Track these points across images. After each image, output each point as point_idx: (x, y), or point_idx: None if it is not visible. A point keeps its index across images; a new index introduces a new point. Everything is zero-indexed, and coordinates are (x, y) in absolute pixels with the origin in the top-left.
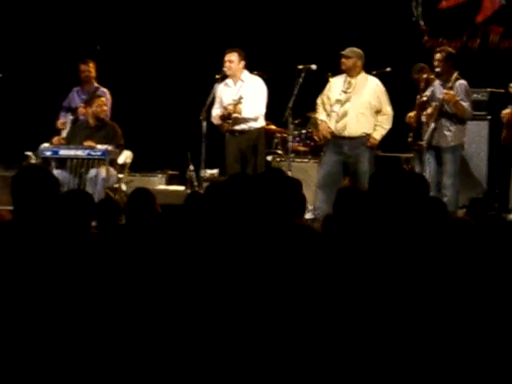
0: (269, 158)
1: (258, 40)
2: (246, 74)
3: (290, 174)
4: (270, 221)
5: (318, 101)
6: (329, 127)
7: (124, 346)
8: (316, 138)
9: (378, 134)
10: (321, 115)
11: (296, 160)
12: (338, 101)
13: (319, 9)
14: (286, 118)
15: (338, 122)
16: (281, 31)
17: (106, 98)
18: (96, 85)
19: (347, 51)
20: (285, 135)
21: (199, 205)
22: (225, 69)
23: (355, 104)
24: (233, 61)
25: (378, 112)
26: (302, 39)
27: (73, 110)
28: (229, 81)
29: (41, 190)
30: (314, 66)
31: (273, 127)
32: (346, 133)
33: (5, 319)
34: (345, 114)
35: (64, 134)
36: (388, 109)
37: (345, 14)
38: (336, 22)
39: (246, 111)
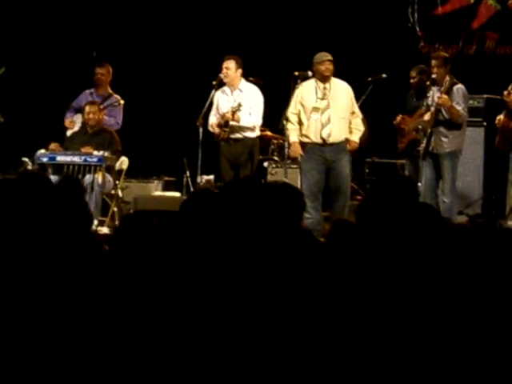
0: (265, 164)
1: (255, 46)
2: (243, 82)
3: (286, 180)
4: (271, 226)
5: (288, 115)
6: (300, 148)
7: (118, 353)
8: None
9: (356, 137)
10: (292, 135)
11: (292, 166)
12: (315, 108)
13: (315, 14)
14: (282, 124)
15: (322, 129)
16: (277, 37)
17: (118, 106)
18: (110, 91)
19: (331, 57)
20: (281, 141)
21: (194, 211)
22: (222, 75)
23: (336, 110)
24: (230, 68)
25: (350, 114)
26: (298, 45)
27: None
28: (226, 88)
29: (40, 196)
30: (310, 73)
31: (269, 133)
32: (331, 139)
33: None
34: (328, 121)
35: (69, 133)
36: (358, 110)
37: (341, 19)
38: (332, 27)
39: (243, 120)
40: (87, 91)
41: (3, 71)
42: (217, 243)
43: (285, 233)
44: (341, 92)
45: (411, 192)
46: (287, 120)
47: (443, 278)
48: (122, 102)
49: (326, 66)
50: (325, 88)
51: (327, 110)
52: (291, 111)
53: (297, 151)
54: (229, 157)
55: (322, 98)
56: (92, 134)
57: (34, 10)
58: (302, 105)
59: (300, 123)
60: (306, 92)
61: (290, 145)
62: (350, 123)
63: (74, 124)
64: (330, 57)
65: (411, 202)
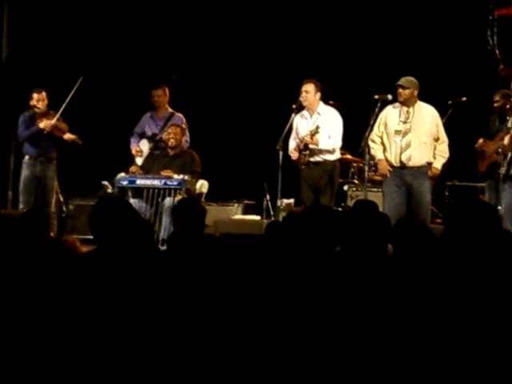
0: (345, 187)
1: (335, 70)
2: (321, 106)
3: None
4: (358, 252)
5: (373, 137)
6: (388, 165)
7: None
8: (377, 177)
9: (439, 164)
10: (378, 153)
11: (372, 190)
12: (397, 132)
13: (396, 38)
14: (362, 148)
15: (402, 153)
16: (357, 61)
17: (184, 124)
18: (170, 110)
19: (404, 82)
20: (361, 165)
21: (279, 235)
22: (301, 99)
23: (417, 134)
24: (309, 91)
25: (435, 140)
26: (379, 69)
27: (149, 137)
28: (305, 112)
29: (121, 221)
30: (389, 96)
31: (349, 157)
32: (411, 163)
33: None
34: (408, 145)
35: (139, 161)
36: (444, 136)
37: (421, 43)
38: (412, 52)
39: (322, 143)
40: (147, 114)
41: (81, 81)
42: (299, 266)
43: (371, 257)
44: (425, 117)
45: (493, 219)
46: (372, 141)
47: None
48: (184, 120)
49: (398, 91)
50: (408, 112)
51: (408, 134)
52: (375, 133)
53: (385, 168)
54: (309, 180)
55: (405, 122)
56: (173, 157)
57: (115, 35)
58: (385, 127)
59: (383, 145)
60: (389, 115)
61: (376, 163)
62: (435, 149)
63: (141, 152)
64: (402, 82)
65: (493, 229)
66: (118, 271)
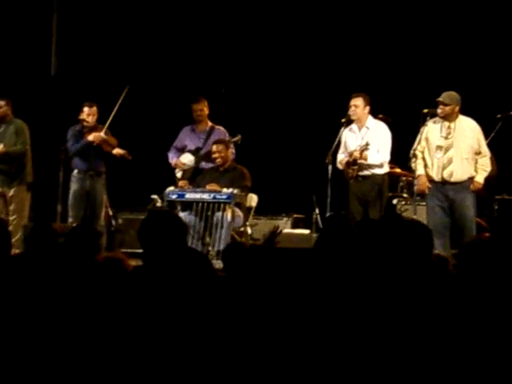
0: (394, 201)
1: (384, 83)
2: (370, 119)
3: (415, 217)
4: (401, 262)
5: (415, 152)
6: (427, 181)
7: None
8: (416, 191)
9: (481, 178)
10: (418, 168)
11: (421, 204)
12: (439, 147)
13: (444, 52)
14: (411, 161)
15: (444, 169)
16: (407, 75)
17: (229, 138)
18: (210, 124)
19: (445, 98)
20: (410, 178)
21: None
22: (350, 113)
23: (459, 150)
24: (358, 105)
25: (477, 153)
26: (428, 83)
27: (192, 151)
28: (354, 126)
29: (170, 235)
30: (439, 110)
31: (398, 170)
32: (453, 179)
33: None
34: (450, 161)
35: (179, 174)
36: (486, 149)
37: (469, 57)
38: (461, 65)
39: (371, 158)
40: (187, 128)
41: (127, 90)
42: (349, 278)
43: (414, 268)
44: (467, 132)
45: None
46: (414, 156)
47: None
48: (226, 133)
49: (439, 108)
50: (449, 127)
51: (450, 150)
52: (417, 148)
53: (424, 184)
54: (358, 194)
55: (446, 137)
56: (223, 172)
57: (166, 49)
58: (427, 142)
59: (424, 160)
60: (431, 130)
61: (416, 178)
62: (477, 162)
63: (184, 165)
64: (442, 98)
65: None
66: (167, 286)
